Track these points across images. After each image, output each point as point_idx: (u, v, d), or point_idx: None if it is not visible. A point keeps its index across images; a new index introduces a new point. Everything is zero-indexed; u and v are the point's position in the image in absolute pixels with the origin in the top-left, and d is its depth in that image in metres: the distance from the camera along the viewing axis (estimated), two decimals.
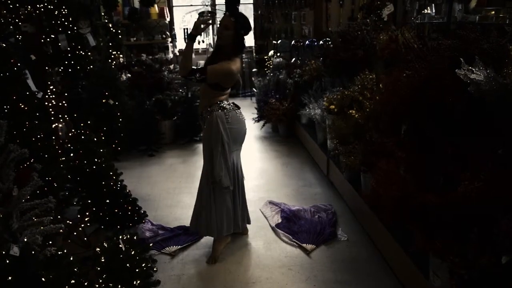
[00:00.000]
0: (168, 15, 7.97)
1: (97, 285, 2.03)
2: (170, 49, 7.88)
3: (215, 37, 8.34)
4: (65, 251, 1.92)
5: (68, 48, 4.41)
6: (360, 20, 4.98)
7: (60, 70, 4.31)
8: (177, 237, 3.13)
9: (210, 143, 2.74)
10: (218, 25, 2.70)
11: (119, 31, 5.92)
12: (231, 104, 2.79)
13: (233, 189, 2.89)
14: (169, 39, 7.84)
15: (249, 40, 8.33)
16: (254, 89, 6.81)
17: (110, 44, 5.47)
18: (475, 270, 1.70)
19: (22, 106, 2.85)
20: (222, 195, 2.82)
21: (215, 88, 2.71)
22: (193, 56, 8.44)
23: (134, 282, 2.16)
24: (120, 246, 2.22)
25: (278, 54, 7.00)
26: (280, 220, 3.36)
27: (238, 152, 2.92)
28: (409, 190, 2.16)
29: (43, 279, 1.70)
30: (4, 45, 2.88)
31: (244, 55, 7.93)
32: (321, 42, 6.06)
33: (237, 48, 2.70)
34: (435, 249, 1.95)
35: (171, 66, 7.22)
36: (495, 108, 1.95)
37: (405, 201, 2.14)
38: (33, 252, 1.72)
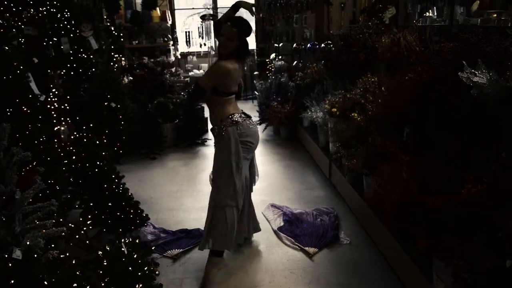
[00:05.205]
0: (170, 18, 7.99)
1: None
2: (172, 52, 7.91)
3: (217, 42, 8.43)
4: (67, 254, 1.92)
5: (71, 51, 4.42)
6: (362, 23, 4.99)
7: (62, 73, 4.32)
8: (179, 241, 3.12)
9: (221, 163, 2.65)
10: (221, 36, 2.60)
11: (121, 34, 5.94)
12: (242, 116, 2.70)
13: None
14: (171, 42, 7.87)
15: (251, 43, 8.34)
16: (256, 92, 6.81)
17: (112, 47, 5.48)
18: (479, 274, 1.70)
19: (25, 109, 2.86)
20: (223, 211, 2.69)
21: (216, 94, 2.62)
22: (194, 59, 8.52)
23: (137, 286, 2.16)
24: (123, 249, 2.21)
25: (280, 57, 7.01)
26: (282, 224, 3.35)
27: (253, 159, 2.88)
28: (411, 193, 2.16)
29: (45, 282, 1.69)
30: (7, 48, 2.90)
31: None
32: (322, 45, 6.07)
33: (240, 52, 2.61)
34: (438, 253, 1.95)
35: (173, 69, 7.24)
36: (498, 110, 1.95)
37: (408, 204, 2.14)
38: (35, 255, 1.72)
